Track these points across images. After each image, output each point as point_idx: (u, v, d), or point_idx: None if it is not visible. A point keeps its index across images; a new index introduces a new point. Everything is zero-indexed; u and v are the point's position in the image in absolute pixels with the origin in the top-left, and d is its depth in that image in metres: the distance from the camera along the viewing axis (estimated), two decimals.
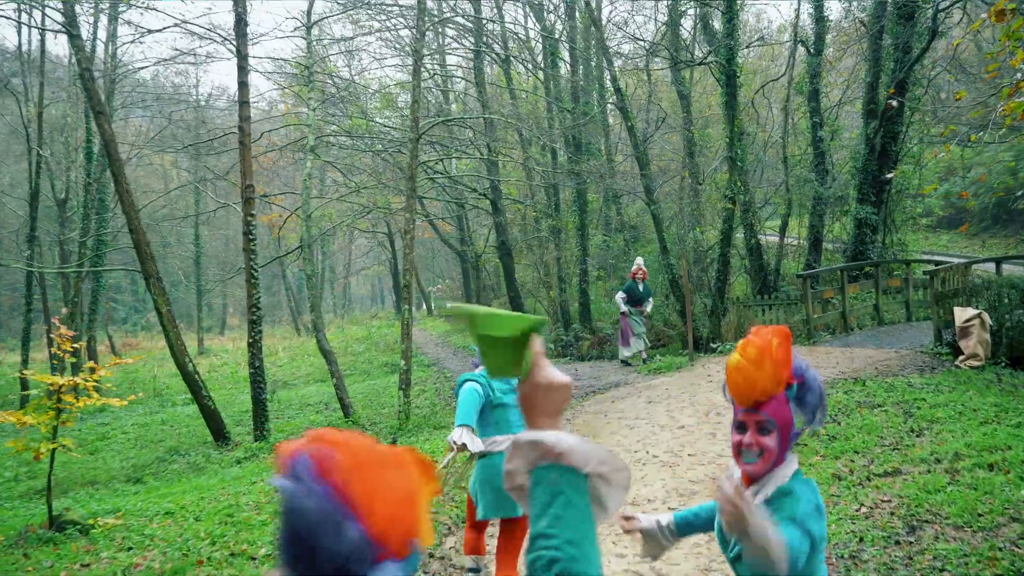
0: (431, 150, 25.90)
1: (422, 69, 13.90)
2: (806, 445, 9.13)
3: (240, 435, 14.38)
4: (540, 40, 29.03)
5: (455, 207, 30.82)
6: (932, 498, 7.14)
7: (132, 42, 28.04)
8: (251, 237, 13.24)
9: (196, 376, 13.43)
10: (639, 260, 17.08)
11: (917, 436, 9.56)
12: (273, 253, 33.97)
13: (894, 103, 19.65)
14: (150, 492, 10.74)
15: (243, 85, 13.12)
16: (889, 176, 21.69)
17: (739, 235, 26.61)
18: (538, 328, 1.60)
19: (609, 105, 30.22)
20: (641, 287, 16.73)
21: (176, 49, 52.07)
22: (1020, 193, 24.98)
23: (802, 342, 16.59)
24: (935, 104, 24.84)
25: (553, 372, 1.60)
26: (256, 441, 13.27)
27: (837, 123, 26.79)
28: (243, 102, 13.16)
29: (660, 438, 10.07)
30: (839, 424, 9.91)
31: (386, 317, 48.26)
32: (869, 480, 7.98)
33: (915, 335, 16.39)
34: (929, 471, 8.03)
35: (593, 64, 30.74)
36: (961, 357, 13.27)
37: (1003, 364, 13.03)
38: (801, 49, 25.68)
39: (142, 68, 23.87)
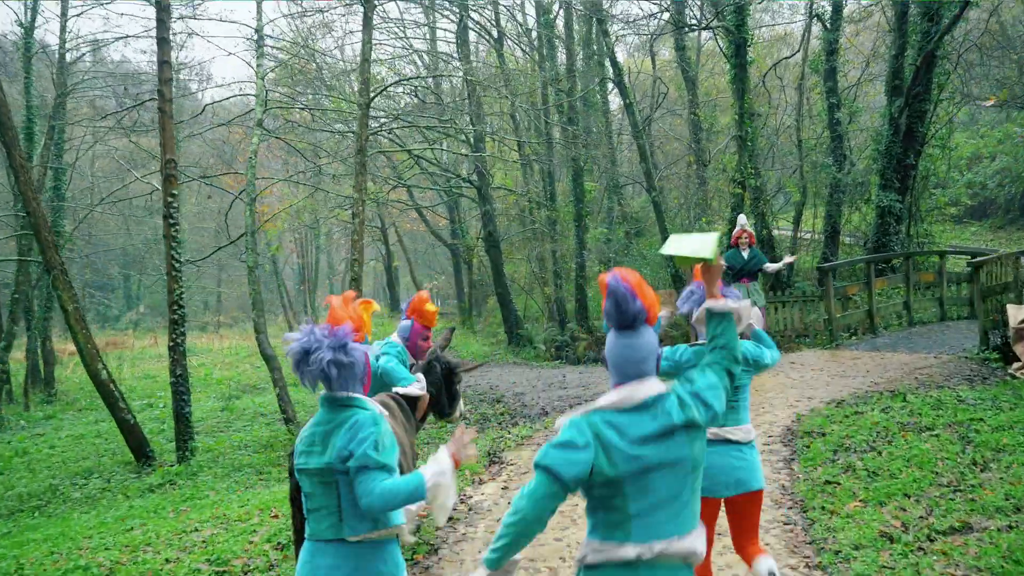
0: (409, 134, 23.85)
1: (376, 21, 11.82)
2: (839, 485, 7.04)
3: (170, 454, 12.34)
4: (534, 14, 26.87)
5: (445, 196, 28.64)
6: None
7: (80, 15, 25.73)
8: (173, 222, 11.17)
9: (112, 385, 11.41)
10: (741, 219, 12.62)
11: (982, 471, 7.47)
12: (263, 249, 31.92)
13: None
14: (22, 533, 8.68)
15: (163, 42, 10.98)
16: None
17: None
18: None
19: (610, 86, 28.01)
20: (746, 253, 12.18)
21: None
22: None
23: (823, 345, 14.47)
24: (965, 83, 22.61)
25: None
26: (179, 463, 11.22)
27: (855, 104, 24.60)
28: (163, 62, 11.07)
29: None
30: (879, 454, 7.81)
31: (383, 314, 46.11)
32: (931, 541, 5.89)
33: (954, 337, 14.28)
34: (1011, 527, 5.95)
35: (594, 47, 28.53)
36: (1016, 365, 11.12)
37: None
38: (817, 25, 23.54)
39: (97, 44, 21.71)
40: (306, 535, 3.32)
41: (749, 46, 18.12)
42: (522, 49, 26.92)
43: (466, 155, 22.77)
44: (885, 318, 15.89)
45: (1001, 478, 7.13)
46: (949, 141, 22.56)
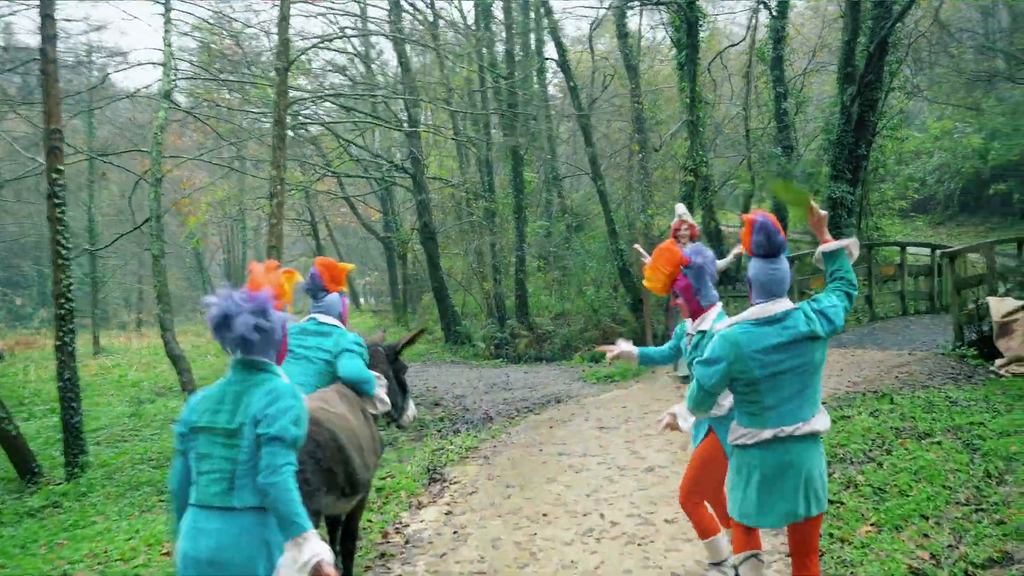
0: (338, 119, 22.39)
1: None
2: (843, 505, 5.97)
3: (60, 470, 10.76)
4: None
5: (376, 185, 27.09)
6: None
7: None
8: (58, 202, 9.62)
9: None
10: (679, 208, 10.03)
11: (998, 484, 6.52)
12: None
13: None
14: None
15: None
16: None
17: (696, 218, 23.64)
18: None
19: (551, 75, 26.88)
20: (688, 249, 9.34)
21: None
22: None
23: None
24: (914, 73, 22.05)
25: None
26: (66, 481, 9.71)
27: (802, 93, 23.92)
28: (45, 16, 9.51)
29: (620, 489, 6.82)
30: (880, 466, 6.78)
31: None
32: None
33: (920, 332, 13.50)
34: None
35: (532, 33, 27.31)
36: (999, 361, 10.29)
37: None
38: (764, 12, 22.78)
39: None
40: (190, 500, 3.17)
41: (701, 25, 17.13)
42: (458, 33, 25.62)
43: (400, 134, 21.36)
44: (852, 314, 15.03)
45: (1022, 493, 6.18)
46: (899, 132, 21.95)
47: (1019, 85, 30.65)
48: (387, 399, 5.04)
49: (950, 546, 5.25)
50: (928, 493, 6.10)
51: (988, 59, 32.02)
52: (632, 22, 27.13)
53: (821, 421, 3.74)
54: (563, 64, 18.63)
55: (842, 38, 19.62)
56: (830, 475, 6.64)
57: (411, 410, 5.45)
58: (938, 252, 16.45)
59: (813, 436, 3.69)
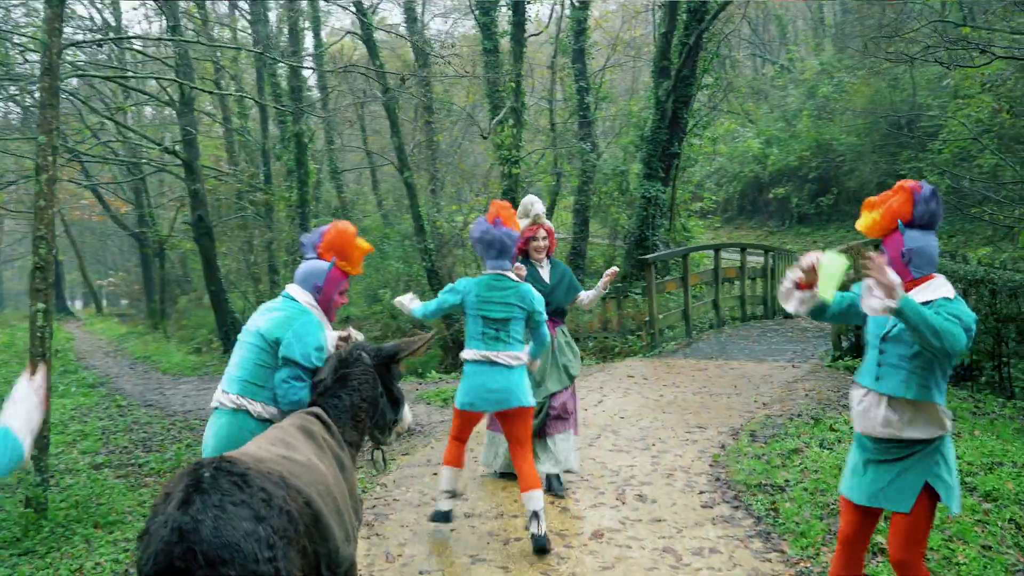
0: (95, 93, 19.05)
1: None
2: None
3: None
4: None
5: (133, 173, 23.50)
6: None
7: None
8: None
9: None
10: (532, 203, 6.12)
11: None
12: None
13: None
14: None
15: None
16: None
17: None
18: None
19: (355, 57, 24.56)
20: (547, 271, 6.18)
21: None
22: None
23: (645, 353, 12.24)
24: (725, 70, 21.82)
25: None
26: None
27: (602, 89, 23.15)
28: None
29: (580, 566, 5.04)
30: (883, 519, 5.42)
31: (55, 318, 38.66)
32: None
33: (779, 340, 12.81)
34: None
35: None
36: None
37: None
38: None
39: None
40: None
41: (529, 2, 15.66)
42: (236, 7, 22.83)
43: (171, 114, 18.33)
44: (699, 320, 14.09)
45: None
46: (709, 131, 21.65)
47: (790, 94, 31.91)
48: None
49: None
50: (972, 557, 4.82)
51: (762, 67, 33.10)
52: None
53: None
54: (368, 40, 16.48)
55: (659, 31, 18.91)
56: (831, 532, 5.25)
57: (407, 420, 3.91)
58: (771, 255, 15.97)
59: None
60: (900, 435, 3.39)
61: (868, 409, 3.50)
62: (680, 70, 17.96)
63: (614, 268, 6.07)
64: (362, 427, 3.51)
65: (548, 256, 6.16)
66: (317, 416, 3.29)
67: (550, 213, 22.07)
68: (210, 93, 20.04)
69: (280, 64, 19.83)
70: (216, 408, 3.80)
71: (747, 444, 7.12)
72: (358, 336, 4.17)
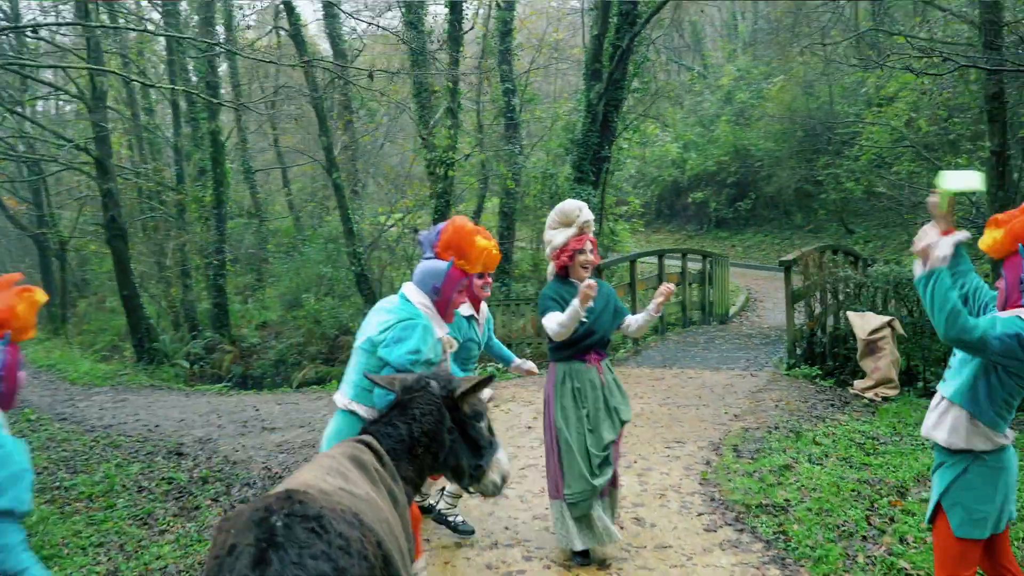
0: None
1: None
2: None
3: None
4: None
5: (31, 172, 22.11)
6: None
7: None
8: None
9: None
10: (581, 212, 4.90)
11: None
12: None
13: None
14: None
15: None
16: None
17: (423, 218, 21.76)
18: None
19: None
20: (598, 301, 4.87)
21: None
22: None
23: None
24: (655, 74, 21.82)
25: None
26: None
27: (528, 91, 22.87)
28: None
29: None
30: (904, 542, 5.23)
31: None
32: None
33: (728, 346, 12.65)
34: None
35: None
36: (861, 383, 9.41)
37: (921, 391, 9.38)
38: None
39: None
40: None
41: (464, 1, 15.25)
42: None
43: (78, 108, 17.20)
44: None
45: None
46: (637, 135, 21.59)
47: (707, 99, 32.26)
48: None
49: None
50: None
51: (678, 73, 33.38)
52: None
53: None
54: (296, 35, 15.80)
55: (591, 33, 18.70)
56: (864, 570, 5.01)
57: (500, 469, 3.25)
58: (708, 260, 15.93)
59: None
60: (937, 439, 3.34)
61: (930, 410, 3.45)
62: (612, 73, 17.81)
63: (669, 286, 4.72)
64: (420, 464, 3.05)
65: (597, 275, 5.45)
66: (368, 445, 2.89)
67: (476, 216, 21.71)
68: (130, 81, 18.86)
69: (196, 56, 18.87)
70: (338, 409, 3.83)
71: (733, 460, 6.88)
72: (450, 345, 3.98)
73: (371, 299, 17.19)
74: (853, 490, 6.03)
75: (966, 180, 3.29)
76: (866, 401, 8.94)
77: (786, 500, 5.90)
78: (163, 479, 8.43)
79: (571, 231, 4.84)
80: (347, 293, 19.70)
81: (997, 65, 10.93)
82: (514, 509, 6.03)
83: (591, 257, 4.86)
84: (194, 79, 21.03)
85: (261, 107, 13.83)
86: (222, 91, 22.70)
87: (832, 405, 8.74)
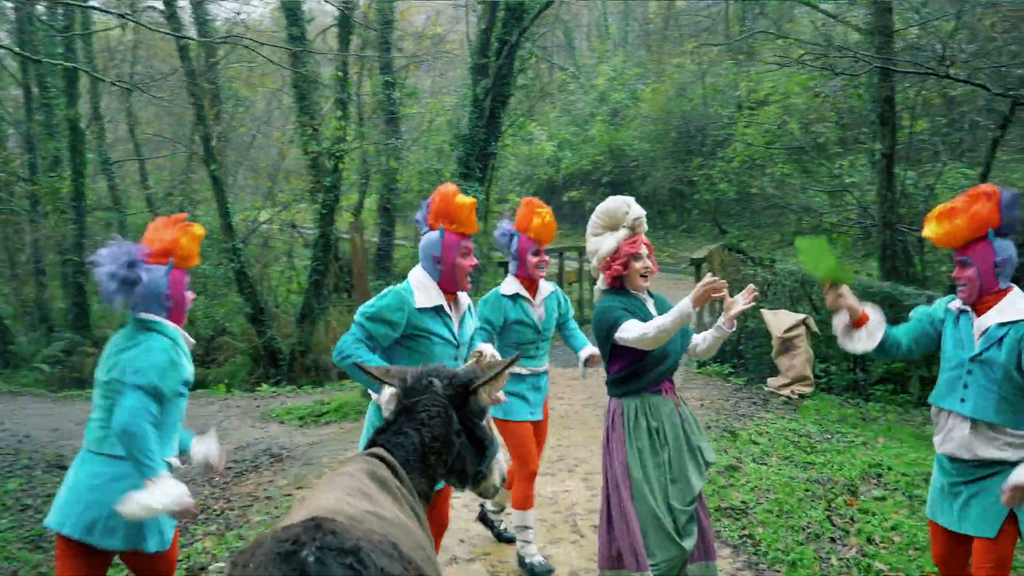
0: None
1: None
2: None
3: None
4: None
5: None
6: None
7: None
8: None
9: None
10: (624, 204, 4.02)
11: None
12: None
13: None
14: None
15: None
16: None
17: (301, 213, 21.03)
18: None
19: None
20: (650, 303, 4.02)
21: None
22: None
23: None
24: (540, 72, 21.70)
25: None
26: None
27: (408, 85, 22.37)
28: None
29: None
30: (873, 542, 5.18)
31: None
32: None
33: None
34: None
35: None
36: (775, 381, 9.46)
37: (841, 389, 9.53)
38: None
39: None
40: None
41: None
42: None
43: None
44: None
45: None
46: (523, 131, 21.42)
47: (581, 99, 32.49)
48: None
49: None
50: None
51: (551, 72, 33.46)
52: None
53: None
54: (170, 13, 14.81)
55: (478, 27, 18.39)
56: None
57: (501, 470, 2.89)
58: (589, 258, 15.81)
59: None
60: (981, 455, 3.27)
61: (951, 431, 3.36)
62: (500, 68, 17.59)
63: (751, 286, 3.68)
64: (432, 474, 2.62)
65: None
66: (382, 459, 2.48)
67: (357, 213, 21.08)
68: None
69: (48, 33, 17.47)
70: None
71: None
72: (491, 353, 3.64)
73: (251, 297, 16.31)
74: (807, 490, 5.97)
75: (819, 249, 3.45)
76: (784, 398, 9.00)
77: (743, 502, 5.77)
78: (48, 496, 7.61)
79: (621, 234, 3.90)
80: (221, 291, 18.71)
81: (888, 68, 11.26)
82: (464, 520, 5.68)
83: (650, 263, 3.89)
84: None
85: (154, 89, 12.80)
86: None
87: (754, 403, 8.75)
